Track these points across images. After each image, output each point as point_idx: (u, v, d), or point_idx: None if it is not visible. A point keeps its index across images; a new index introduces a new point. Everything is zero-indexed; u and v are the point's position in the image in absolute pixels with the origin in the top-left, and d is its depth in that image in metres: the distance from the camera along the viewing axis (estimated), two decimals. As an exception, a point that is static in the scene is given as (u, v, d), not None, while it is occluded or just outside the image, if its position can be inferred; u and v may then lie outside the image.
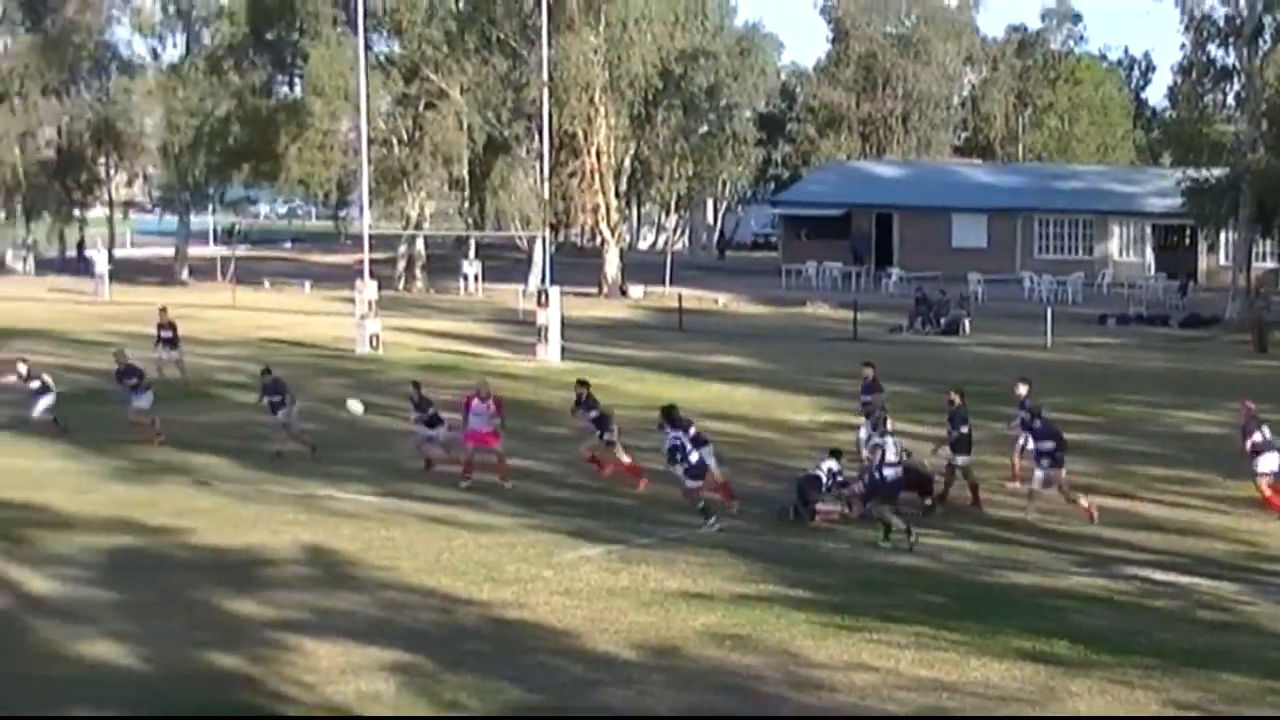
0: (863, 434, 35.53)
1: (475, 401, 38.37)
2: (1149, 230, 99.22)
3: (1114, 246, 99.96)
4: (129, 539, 31.53)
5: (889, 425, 34.67)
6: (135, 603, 26.84)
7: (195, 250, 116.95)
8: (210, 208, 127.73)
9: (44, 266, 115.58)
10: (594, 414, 38.30)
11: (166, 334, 55.35)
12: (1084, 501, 33.02)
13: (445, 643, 24.41)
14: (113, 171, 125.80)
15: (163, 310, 57.97)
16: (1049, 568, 29.46)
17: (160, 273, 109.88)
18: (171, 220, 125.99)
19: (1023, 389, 37.10)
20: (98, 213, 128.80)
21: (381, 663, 23.26)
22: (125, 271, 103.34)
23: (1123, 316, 77.59)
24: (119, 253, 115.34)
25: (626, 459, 38.33)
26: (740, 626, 25.24)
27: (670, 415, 34.76)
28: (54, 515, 33.59)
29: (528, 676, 22.76)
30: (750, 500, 35.00)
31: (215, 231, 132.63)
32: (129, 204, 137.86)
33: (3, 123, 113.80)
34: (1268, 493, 34.29)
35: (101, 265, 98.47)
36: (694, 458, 33.28)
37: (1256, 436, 34.49)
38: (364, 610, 26.32)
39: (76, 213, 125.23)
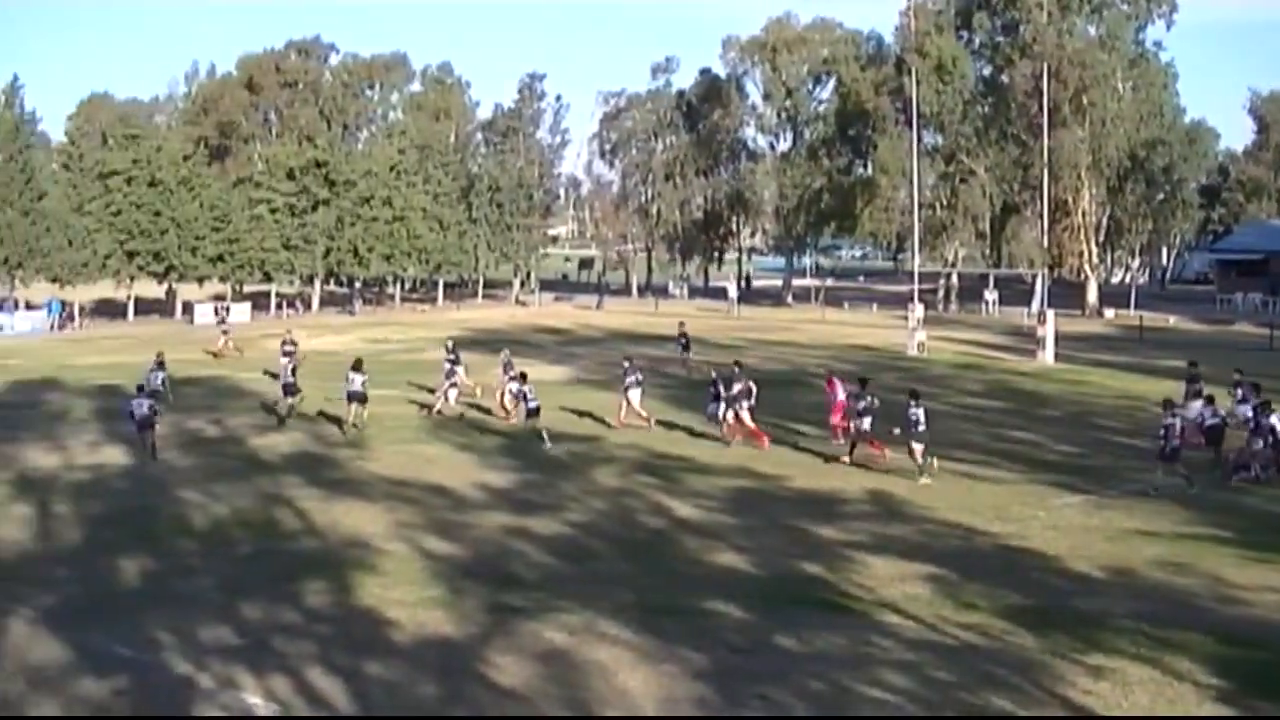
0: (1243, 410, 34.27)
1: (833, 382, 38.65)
2: None
3: None
4: (746, 482, 31.85)
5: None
6: (749, 526, 27.13)
7: (797, 281, 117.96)
8: (808, 251, 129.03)
9: (693, 293, 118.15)
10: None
11: (683, 341, 56.58)
12: None
13: (965, 561, 24.06)
14: (741, 227, 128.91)
15: (681, 323, 60.50)
16: None
17: (771, 297, 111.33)
18: (780, 260, 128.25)
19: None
20: (730, 255, 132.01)
21: (919, 574, 23.09)
22: (748, 296, 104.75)
23: None
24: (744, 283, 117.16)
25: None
26: (1179, 556, 24.26)
27: (915, 394, 33.88)
28: (696, 464, 34.20)
29: (1023, 587, 22.30)
30: (1191, 465, 33.35)
31: (810, 268, 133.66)
32: (751, 249, 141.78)
33: (669, 195, 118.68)
34: None
35: (732, 291, 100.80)
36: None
37: None
38: (908, 536, 26.14)
39: (716, 255, 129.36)
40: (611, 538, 26.22)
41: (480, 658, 18.82)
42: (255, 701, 17.26)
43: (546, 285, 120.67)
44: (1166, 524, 27.26)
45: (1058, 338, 62.34)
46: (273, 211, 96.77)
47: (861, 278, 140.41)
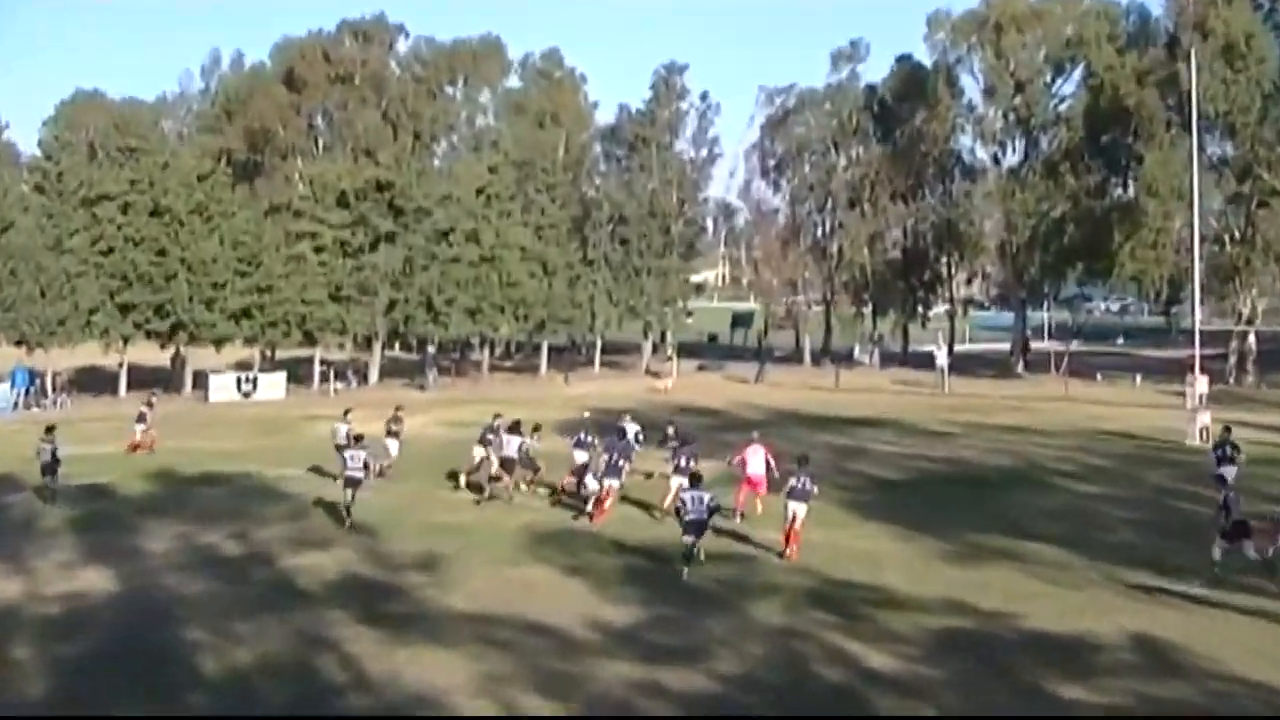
0: None
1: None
2: None
3: None
4: (960, 620, 31.50)
5: None
6: (964, 682, 26.81)
7: (1033, 344, 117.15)
8: (1044, 304, 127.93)
9: (888, 359, 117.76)
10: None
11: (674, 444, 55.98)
12: None
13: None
14: (954, 270, 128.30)
15: (671, 422, 60.41)
16: None
17: (995, 366, 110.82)
18: (1007, 316, 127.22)
19: None
20: (937, 309, 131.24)
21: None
22: (963, 364, 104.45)
23: None
24: (958, 347, 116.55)
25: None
26: None
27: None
28: (890, 595, 33.94)
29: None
30: None
31: (1049, 327, 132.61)
32: (968, 301, 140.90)
33: (855, 227, 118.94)
34: None
35: (942, 359, 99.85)
36: None
37: None
38: (1190, 698, 25.66)
39: (919, 309, 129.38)
40: (776, 696, 26.10)
41: None
42: None
43: (688, 350, 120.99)
44: None
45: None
46: (318, 250, 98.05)
47: (1120, 339, 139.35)
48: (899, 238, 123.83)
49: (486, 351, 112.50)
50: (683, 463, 43.99)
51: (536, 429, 50.95)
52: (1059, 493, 48.93)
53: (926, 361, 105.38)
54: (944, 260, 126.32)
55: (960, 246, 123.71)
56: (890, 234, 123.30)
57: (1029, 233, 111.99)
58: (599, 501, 44.00)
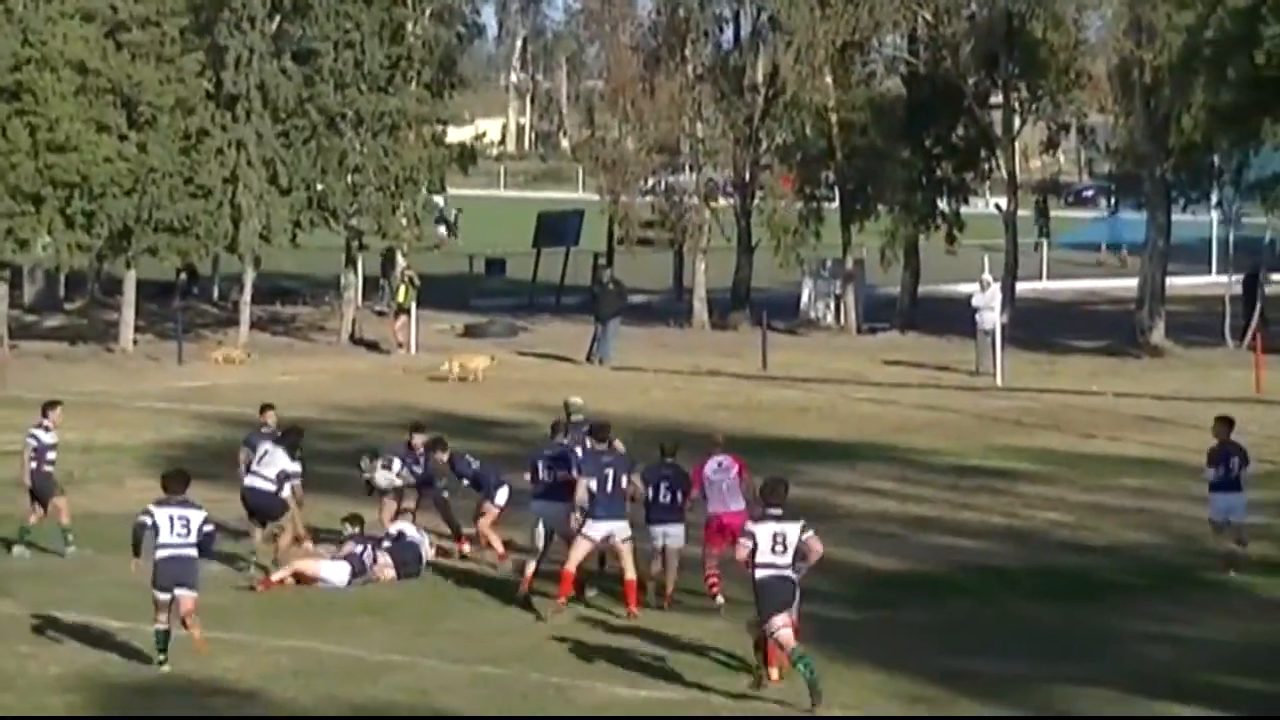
0: None
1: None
2: None
3: None
4: None
5: None
6: None
7: (1184, 281, 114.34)
8: (1210, 196, 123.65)
9: (875, 313, 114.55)
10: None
11: None
12: None
13: None
14: (1019, 121, 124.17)
15: None
16: None
17: (1109, 327, 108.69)
18: (1130, 221, 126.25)
19: None
20: (982, 206, 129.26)
21: None
22: (1038, 322, 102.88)
23: None
24: (1029, 287, 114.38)
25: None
26: None
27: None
28: None
29: None
30: None
31: (1220, 246, 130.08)
32: (1048, 189, 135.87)
33: (804, 23, 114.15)
34: None
35: (990, 315, 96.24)
36: None
37: None
38: None
39: (944, 207, 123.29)
40: None
41: None
42: None
43: (440, 292, 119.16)
44: None
45: None
46: None
47: None
48: (901, 51, 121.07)
49: (3, 294, 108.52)
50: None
51: None
52: (1257, 609, 46.02)
53: (957, 318, 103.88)
54: (998, 99, 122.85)
55: (1033, 69, 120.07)
56: (885, 42, 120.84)
57: (1181, 41, 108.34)
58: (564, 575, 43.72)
